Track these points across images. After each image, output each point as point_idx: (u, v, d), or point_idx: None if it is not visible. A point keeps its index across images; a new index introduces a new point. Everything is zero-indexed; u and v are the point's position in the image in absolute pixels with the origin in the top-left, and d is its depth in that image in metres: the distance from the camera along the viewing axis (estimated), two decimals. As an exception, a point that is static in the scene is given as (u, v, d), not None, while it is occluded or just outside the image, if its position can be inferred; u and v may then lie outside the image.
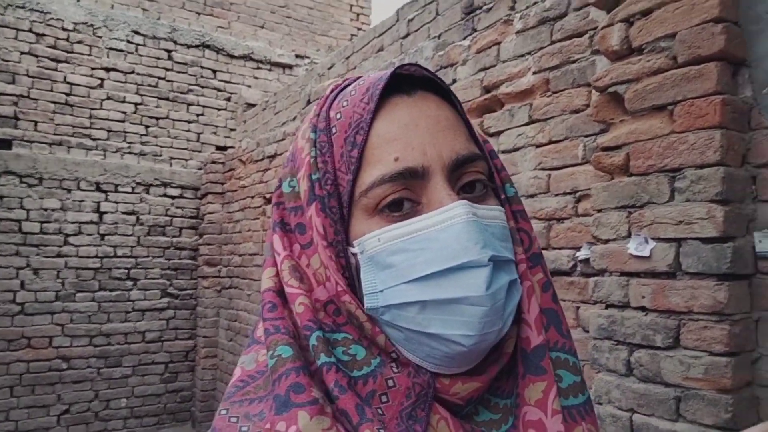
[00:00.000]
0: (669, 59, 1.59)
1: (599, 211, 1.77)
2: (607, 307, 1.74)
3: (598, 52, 1.96)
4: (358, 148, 0.50)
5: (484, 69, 2.56)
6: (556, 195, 2.20)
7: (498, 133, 2.48)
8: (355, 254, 0.51)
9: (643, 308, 1.63)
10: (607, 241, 1.74)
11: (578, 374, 0.55)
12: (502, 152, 2.45)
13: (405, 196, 0.50)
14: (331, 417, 0.46)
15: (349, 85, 0.55)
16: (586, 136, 2.09)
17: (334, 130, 0.52)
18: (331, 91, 0.56)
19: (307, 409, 0.45)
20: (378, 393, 0.48)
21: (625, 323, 1.66)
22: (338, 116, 0.53)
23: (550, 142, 2.23)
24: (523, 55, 2.37)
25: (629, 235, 1.68)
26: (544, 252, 2.21)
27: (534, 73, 2.31)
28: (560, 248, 2.17)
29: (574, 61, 2.16)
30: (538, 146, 2.28)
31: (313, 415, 0.45)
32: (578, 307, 2.09)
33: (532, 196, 2.29)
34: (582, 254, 2.04)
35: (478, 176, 0.53)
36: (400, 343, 0.51)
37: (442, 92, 0.55)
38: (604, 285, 1.74)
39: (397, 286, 0.49)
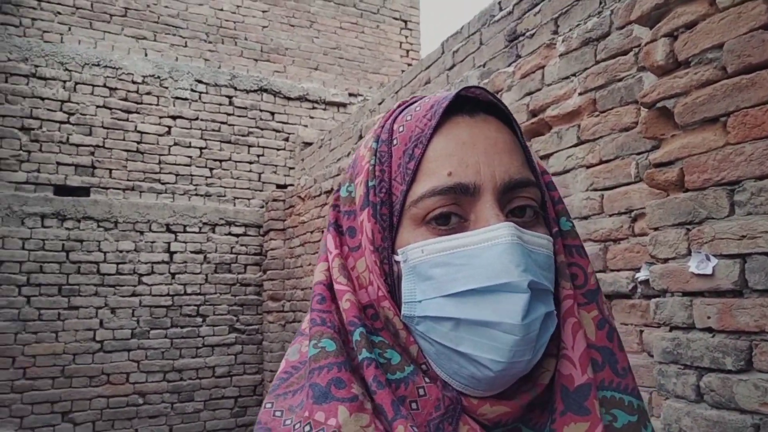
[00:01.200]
0: (718, 70, 1.55)
1: (656, 229, 1.71)
2: (671, 329, 1.66)
3: (644, 68, 1.92)
4: (415, 160, 0.52)
5: (530, 93, 2.55)
6: (611, 215, 2.14)
7: (547, 156, 2.45)
8: (398, 262, 0.52)
9: (709, 329, 1.55)
10: (666, 260, 1.68)
11: (634, 414, 0.53)
12: (552, 175, 2.42)
13: (453, 210, 0.50)
14: (370, 414, 0.47)
15: (415, 101, 0.57)
16: (638, 154, 2.03)
17: (395, 142, 0.54)
18: (398, 107, 0.58)
19: (347, 405, 0.46)
20: (409, 399, 0.49)
21: (692, 346, 1.58)
22: (401, 129, 0.54)
23: (601, 162, 2.18)
24: (568, 77, 2.36)
25: (689, 253, 1.61)
26: (601, 275, 2.15)
27: (580, 94, 2.28)
28: (618, 270, 2.10)
29: (620, 80, 2.12)
30: (588, 167, 2.24)
31: (352, 411, 0.46)
32: (641, 331, 2.01)
33: (585, 217, 2.24)
34: (641, 275, 1.97)
35: (529, 202, 0.53)
36: (430, 357, 0.51)
37: (505, 118, 0.56)
38: (666, 306, 1.67)
39: (435, 298, 0.49)
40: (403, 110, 0.57)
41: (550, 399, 0.52)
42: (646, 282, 1.95)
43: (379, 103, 4.34)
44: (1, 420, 4.89)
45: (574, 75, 2.33)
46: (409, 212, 0.52)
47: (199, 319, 5.81)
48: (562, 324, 0.53)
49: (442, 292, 0.49)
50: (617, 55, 2.14)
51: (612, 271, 2.12)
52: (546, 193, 0.56)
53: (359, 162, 0.58)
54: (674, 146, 1.66)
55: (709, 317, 1.55)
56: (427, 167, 0.52)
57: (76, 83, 5.60)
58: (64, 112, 5.53)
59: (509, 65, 2.73)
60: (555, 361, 0.53)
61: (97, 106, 5.67)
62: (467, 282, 0.48)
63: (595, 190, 2.21)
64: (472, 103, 0.55)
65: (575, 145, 2.31)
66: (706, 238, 1.56)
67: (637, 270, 2.01)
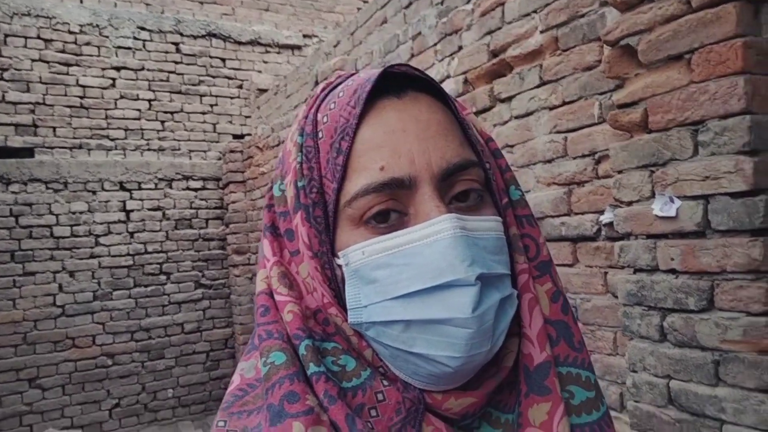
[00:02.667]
0: (683, 4, 1.48)
1: (620, 172, 1.69)
2: (635, 271, 1.67)
3: (607, 3, 1.84)
4: (343, 155, 0.48)
5: (490, 32, 2.45)
6: (575, 158, 2.11)
7: (509, 99, 2.38)
8: (340, 266, 0.49)
9: (673, 271, 1.56)
10: (630, 203, 1.66)
11: (592, 389, 0.52)
12: (515, 118, 2.36)
13: (391, 207, 0.47)
14: (327, 426, 0.44)
15: (339, 84, 0.53)
16: (601, 94, 1.98)
17: (320, 135, 0.50)
18: (321, 91, 0.53)
19: (301, 420, 0.44)
20: (367, 407, 0.46)
21: (656, 287, 1.59)
22: (325, 120, 0.50)
23: (564, 104, 2.13)
24: (528, 14, 2.26)
25: (653, 196, 1.59)
26: (565, 218, 2.14)
27: (541, 32, 2.19)
28: (583, 213, 2.09)
29: (582, 16, 2.04)
30: (551, 108, 2.19)
31: (308, 425, 0.43)
32: (606, 273, 2.02)
33: (549, 161, 2.21)
34: (605, 218, 1.96)
35: (471, 185, 0.50)
36: (386, 359, 0.49)
37: (436, 92, 0.51)
38: (630, 249, 1.67)
39: (381, 302, 0.46)
40: (326, 96, 0.52)
41: (517, 379, 0.51)
42: (610, 224, 1.94)
43: (335, 46, 4.16)
44: (-35, 391, 4.79)
45: (535, 12, 2.23)
46: (344, 213, 0.49)
47: (163, 277, 5.70)
48: (519, 300, 0.50)
49: (387, 295, 0.46)
50: (579, -11, 2.05)
51: (576, 214, 2.11)
52: (492, 163, 0.53)
53: (286, 158, 0.53)
54: (638, 86, 1.62)
55: (672, 259, 1.56)
56: (358, 162, 0.48)
57: (6, 35, 5.19)
58: (-4, 68, 5.15)
59: (468, 2, 2.61)
60: (518, 340, 0.51)
61: (33, 60, 5.29)
62: (411, 283, 0.45)
63: (559, 132, 2.17)
64: (398, 82, 0.50)
65: (538, 86, 2.24)
66: (669, 180, 1.54)
67: (601, 213, 2.00)
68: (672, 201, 1.55)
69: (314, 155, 0.50)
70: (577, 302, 2.12)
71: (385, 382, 0.48)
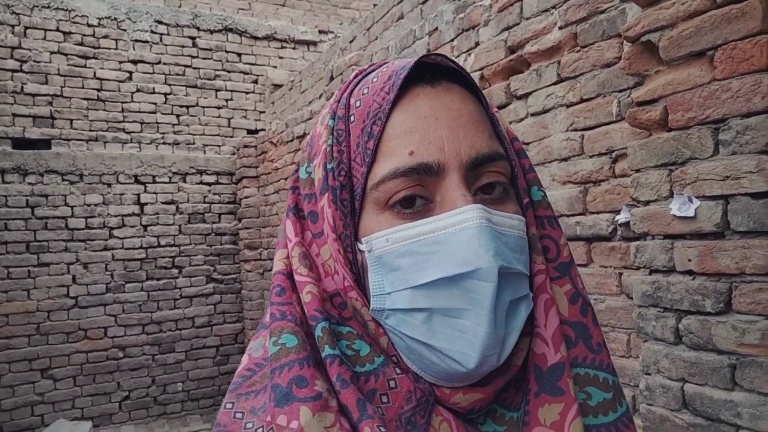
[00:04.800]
0: (706, 0, 1.45)
1: (637, 170, 1.66)
2: (651, 272, 1.64)
3: (628, -2, 1.81)
4: (374, 139, 0.49)
5: (508, 28, 2.42)
6: (591, 156, 2.08)
7: (526, 95, 2.36)
8: (362, 251, 0.49)
9: (690, 272, 1.53)
10: (647, 203, 1.63)
11: (610, 390, 0.51)
12: (531, 115, 2.33)
13: (417, 192, 0.47)
14: (335, 412, 0.44)
15: (372, 71, 0.54)
16: (620, 91, 1.95)
17: (352, 119, 0.50)
18: (355, 77, 0.54)
19: (309, 405, 0.44)
20: (379, 393, 0.47)
21: (672, 289, 1.56)
22: (358, 104, 0.51)
23: (582, 101, 2.10)
24: (547, 10, 2.23)
25: (671, 195, 1.56)
26: (581, 218, 2.11)
27: (560, 27, 2.17)
28: (598, 212, 2.06)
29: (602, 12, 2.01)
30: (569, 106, 2.16)
31: (315, 411, 0.44)
32: (620, 274, 1.99)
33: (565, 159, 2.18)
34: (622, 218, 1.93)
35: (498, 177, 0.50)
36: (401, 351, 0.49)
37: (469, 85, 0.51)
38: (646, 249, 1.64)
39: (404, 290, 0.47)
40: (360, 81, 0.53)
41: (524, 378, 0.51)
42: (626, 224, 1.91)
43: (351, 41, 4.14)
44: (-21, 379, 4.85)
45: (554, 7, 2.20)
46: (371, 196, 0.49)
47: (175, 271, 5.73)
48: (535, 301, 0.51)
49: (411, 283, 0.47)
50: (599, -15, 2.02)
51: (592, 213, 2.08)
52: (516, 162, 0.53)
53: (316, 141, 0.53)
54: (658, 83, 1.58)
55: (689, 260, 1.52)
56: (388, 146, 0.48)
57: (26, 27, 5.24)
58: (16, 60, 5.20)
59: (485, -2, 2.58)
60: (529, 340, 0.51)
61: (52, 52, 5.34)
62: (436, 271, 0.46)
63: (576, 130, 2.14)
64: (432, 71, 0.51)
65: (555, 83, 2.22)
66: (688, 180, 1.51)
67: (618, 212, 1.97)
68: (690, 201, 1.51)
69: (345, 138, 0.50)
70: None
71: (398, 371, 0.48)
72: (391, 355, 0.49)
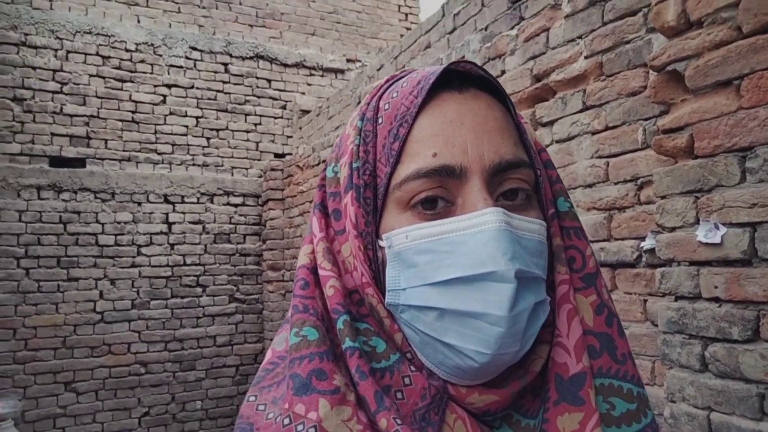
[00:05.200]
0: (732, 30, 1.48)
1: (663, 197, 1.67)
2: (676, 299, 1.63)
3: (654, 29, 1.84)
4: (399, 140, 0.49)
5: (534, 57, 2.47)
6: (616, 183, 2.09)
7: (551, 123, 2.39)
8: (383, 248, 0.50)
9: (716, 299, 1.52)
10: (673, 229, 1.64)
11: (634, 401, 0.51)
12: (556, 142, 2.36)
13: (439, 194, 0.48)
14: (352, 406, 0.45)
15: (403, 76, 0.54)
16: (646, 119, 1.97)
17: (380, 121, 0.52)
18: (386, 82, 0.55)
19: (328, 398, 0.45)
20: (394, 389, 0.47)
21: (698, 316, 1.56)
22: (386, 107, 0.52)
23: (607, 128, 2.12)
24: (573, 40, 2.28)
25: (697, 222, 1.57)
26: (605, 244, 2.11)
27: (586, 57, 2.21)
28: (623, 239, 2.06)
29: (628, 42, 2.05)
30: (594, 133, 2.18)
31: (334, 404, 0.45)
32: (645, 300, 1.98)
33: (590, 185, 2.19)
34: (647, 244, 1.93)
35: (521, 184, 0.50)
36: (415, 345, 0.50)
37: (498, 94, 0.53)
38: (672, 276, 1.64)
39: (419, 287, 0.47)
40: (390, 86, 0.54)
41: (542, 386, 0.51)
42: (651, 251, 1.91)
43: (378, 69, 4.24)
44: (5, 390, 4.93)
45: (579, 37, 2.25)
46: (393, 195, 0.50)
47: (199, 290, 5.81)
48: (556, 310, 0.51)
49: (427, 280, 0.47)
50: (625, 16, 2.06)
51: (616, 240, 2.09)
52: (543, 172, 0.53)
53: (344, 141, 0.55)
54: (684, 111, 1.61)
55: (716, 287, 1.52)
56: (412, 148, 0.49)
57: (68, 51, 5.47)
58: (57, 82, 5.41)
59: (512, 28, 2.64)
60: (548, 348, 0.51)
61: (90, 75, 5.55)
62: (451, 270, 0.46)
63: (601, 157, 2.16)
64: (462, 78, 0.51)
65: (580, 111, 2.25)
66: (715, 207, 1.52)
67: (642, 239, 1.97)
68: (717, 228, 1.52)
69: (371, 139, 0.51)
70: (614, 330, 2.08)
71: (412, 368, 0.49)
72: (406, 352, 0.50)
